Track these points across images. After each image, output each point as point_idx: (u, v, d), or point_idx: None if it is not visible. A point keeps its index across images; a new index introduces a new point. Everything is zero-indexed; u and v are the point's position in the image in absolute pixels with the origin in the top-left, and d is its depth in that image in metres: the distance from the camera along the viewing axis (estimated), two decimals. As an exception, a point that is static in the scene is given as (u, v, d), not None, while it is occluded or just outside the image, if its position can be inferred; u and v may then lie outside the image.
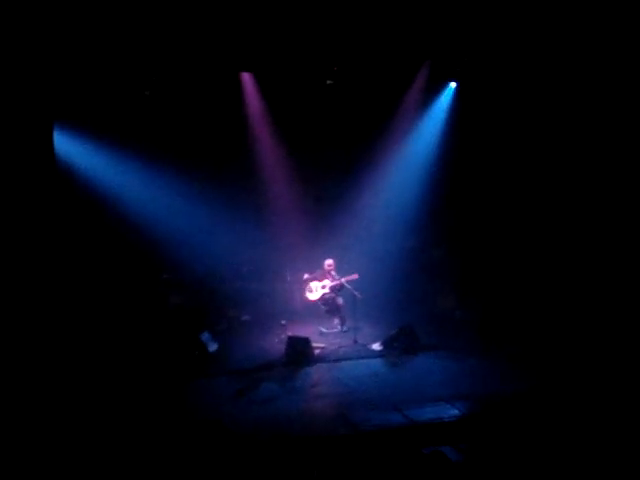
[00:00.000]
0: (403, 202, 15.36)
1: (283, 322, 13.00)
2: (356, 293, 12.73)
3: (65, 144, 12.72)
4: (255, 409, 9.42)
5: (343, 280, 12.98)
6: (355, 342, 12.58)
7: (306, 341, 11.78)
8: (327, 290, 13.25)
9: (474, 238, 14.98)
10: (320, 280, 13.34)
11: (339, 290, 13.31)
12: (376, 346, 12.27)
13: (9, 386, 9.52)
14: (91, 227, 13.20)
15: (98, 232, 13.31)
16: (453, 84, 14.70)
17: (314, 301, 13.46)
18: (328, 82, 13.60)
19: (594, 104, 12.37)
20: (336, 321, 13.50)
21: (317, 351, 11.99)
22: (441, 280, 14.95)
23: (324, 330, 13.37)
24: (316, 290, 13.31)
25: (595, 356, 10.72)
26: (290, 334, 12.23)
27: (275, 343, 12.55)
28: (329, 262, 13.39)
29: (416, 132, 15.25)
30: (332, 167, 15.31)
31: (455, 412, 8.93)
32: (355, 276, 12.92)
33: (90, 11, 10.60)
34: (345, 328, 13.32)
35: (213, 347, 12.13)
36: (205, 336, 12.14)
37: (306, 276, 13.39)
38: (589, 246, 12.73)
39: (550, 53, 12.41)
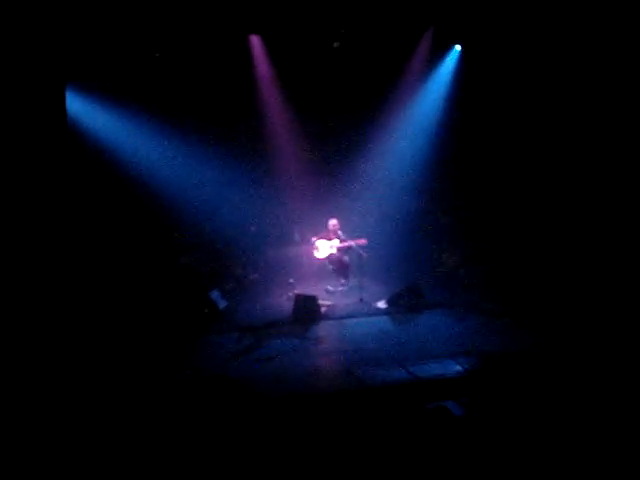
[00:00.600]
0: (409, 164, 15.51)
1: (291, 280, 13.26)
2: (362, 252, 12.94)
3: (76, 104, 12.85)
4: (262, 365, 9.72)
5: (352, 243, 13.18)
6: (361, 300, 12.83)
7: (313, 299, 12.05)
8: (334, 250, 13.44)
9: (479, 199, 15.13)
10: (328, 239, 13.51)
11: (346, 250, 13.53)
12: (382, 304, 12.54)
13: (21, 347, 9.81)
14: (102, 187, 13.35)
15: (109, 191, 13.46)
16: (458, 47, 14.67)
17: (321, 259, 13.68)
18: (335, 45, 13.63)
19: (601, 71, 12.39)
20: (342, 280, 13.71)
21: (324, 309, 12.27)
22: (446, 239, 15.08)
23: (331, 288, 13.61)
24: (324, 249, 13.50)
25: (598, 316, 10.90)
26: (297, 292, 12.50)
27: (283, 301, 12.86)
28: (333, 222, 13.57)
29: (421, 95, 15.24)
30: (339, 130, 15.35)
31: (458, 368, 9.20)
32: (363, 241, 13.06)
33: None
34: (347, 287, 13.56)
35: (222, 305, 12.40)
36: (215, 294, 12.41)
37: (314, 239, 13.59)
38: (592, 209, 12.85)
39: (555, 15, 12.40)
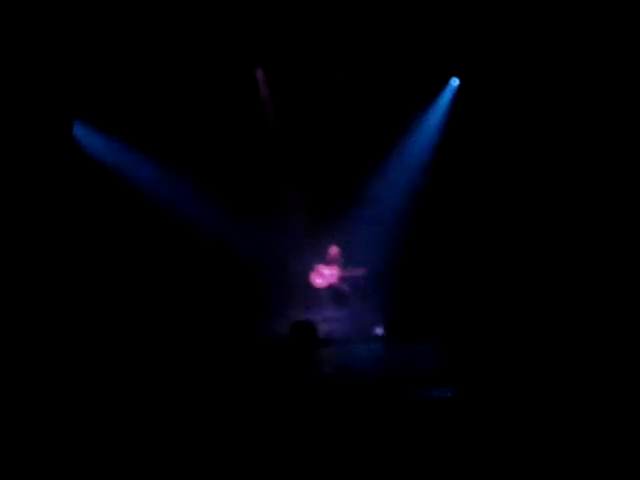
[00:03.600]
0: (406, 192, 15.51)
1: (288, 308, 13.40)
2: (361, 280, 13.16)
3: (84, 138, 13.19)
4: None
5: (352, 272, 13.46)
6: (358, 327, 12.99)
7: (310, 325, 12.19)
8: (334, 279, 13.66)
9: (469, 234, 15.15)
10: (329, 266, 13.73)
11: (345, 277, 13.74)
12: (379, 331, 12.73)
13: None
14: (104, 221, 13.75)
15: (112, 226, 13.84)
16: (456, 81, 14.82)
17: (321, 286, 13.90)
18: (335, 79, 13.87)
19: (598, 102, 12.63)
20: (341, 306, 13.91)
21: (321, 336, 12.42)
22: (443, 269, 15.20)
23: (329, 316, 13.73)
24: (324, 277, 13.73)
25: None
26: (295, 320, 12.67)
27: (280, 328, 12.87)
28: (334, 250, 13.81)
29: (418, 132, 15.38)
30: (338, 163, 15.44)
31: (451, 394, 9.35)
32: (363, 269, 13.29)
33: (109, 10, 11.03)
34: (345, 313, 13.71)
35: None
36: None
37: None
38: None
39: (554, 50, 12.66)
